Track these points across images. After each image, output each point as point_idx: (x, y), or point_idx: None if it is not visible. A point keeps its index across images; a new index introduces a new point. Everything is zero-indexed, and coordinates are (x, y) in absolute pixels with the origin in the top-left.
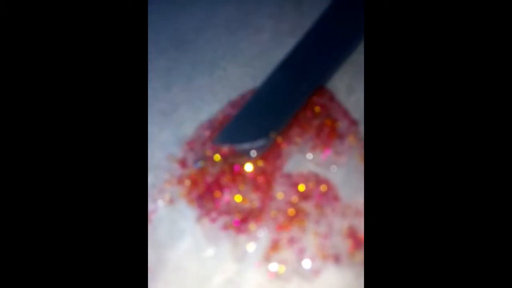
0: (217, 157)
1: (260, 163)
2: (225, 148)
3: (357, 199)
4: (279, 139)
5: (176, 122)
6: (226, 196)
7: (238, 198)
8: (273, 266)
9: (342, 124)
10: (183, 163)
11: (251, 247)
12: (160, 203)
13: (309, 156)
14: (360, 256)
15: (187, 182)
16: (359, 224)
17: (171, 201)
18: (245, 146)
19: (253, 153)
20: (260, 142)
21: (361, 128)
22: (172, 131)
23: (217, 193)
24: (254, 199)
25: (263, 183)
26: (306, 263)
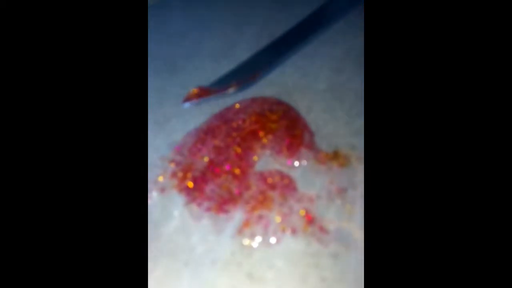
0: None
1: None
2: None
3: (310, 190)
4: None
5: (168, 131)
6: (210, 186)
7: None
8: (245, 240)
9: (305, 134)
10: (173, 162)
11: (228, 223)
12: (154, 193)
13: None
14: (310, 229)
15: (177, 176)
16: (311, 207)
17: (163, 191)
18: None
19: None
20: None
21: (317, 139)
22: (164, 138)
23: (202, 185)
24: (233, 188)
25: (240, 175)
26: (272, 240)
